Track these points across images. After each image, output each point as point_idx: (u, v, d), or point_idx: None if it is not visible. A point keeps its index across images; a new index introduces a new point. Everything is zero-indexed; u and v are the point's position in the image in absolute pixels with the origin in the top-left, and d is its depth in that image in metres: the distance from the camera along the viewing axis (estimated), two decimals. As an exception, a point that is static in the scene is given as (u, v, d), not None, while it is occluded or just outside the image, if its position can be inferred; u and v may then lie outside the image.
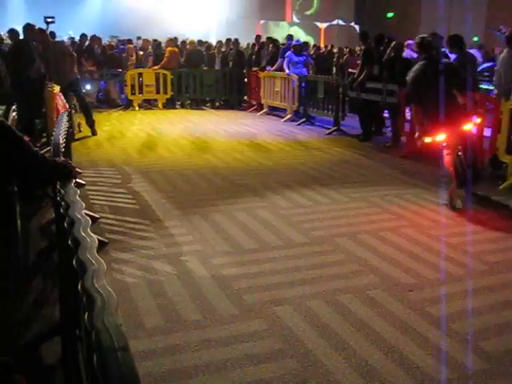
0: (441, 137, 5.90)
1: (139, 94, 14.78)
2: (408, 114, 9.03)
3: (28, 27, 9.66)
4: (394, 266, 4.48)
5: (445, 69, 5.94)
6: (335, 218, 5.74)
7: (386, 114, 10.74)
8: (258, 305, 3.80)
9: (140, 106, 14.75)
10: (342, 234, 5.20)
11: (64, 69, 10.00)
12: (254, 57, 15.25)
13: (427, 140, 6.05)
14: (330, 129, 11.14)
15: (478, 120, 6.91)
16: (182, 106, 15.29)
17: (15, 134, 2.39)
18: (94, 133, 10.43)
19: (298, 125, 12.00)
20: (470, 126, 6.11)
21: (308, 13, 31.07)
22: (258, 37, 16.15)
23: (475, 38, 22.74)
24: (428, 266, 4.48)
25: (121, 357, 1.06)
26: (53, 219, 4.00)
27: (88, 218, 1.87)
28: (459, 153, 5.98)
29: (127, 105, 14.79)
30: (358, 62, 11.01)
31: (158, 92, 14.89)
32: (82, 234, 1.69)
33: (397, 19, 27.22)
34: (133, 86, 14.63)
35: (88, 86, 14.17)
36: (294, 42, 13.09)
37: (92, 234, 1.70)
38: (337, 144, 9.86)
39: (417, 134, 6.19)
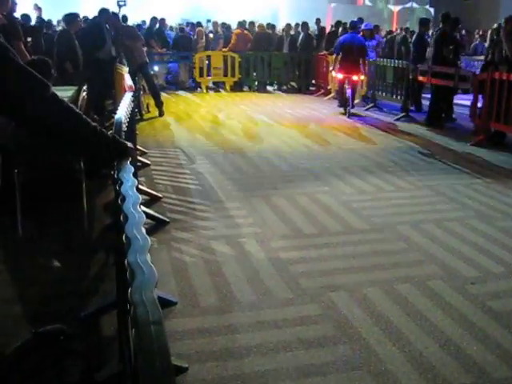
0: (340, 75, 11.06)
1: (207, 76, 14.93)
2: (480, 103, 8.71)
3: (102, 11, 9.95)
4: (456, 257, 4.33)
5: (358, 43, 11.01)
6: (398, 205, 5.62)
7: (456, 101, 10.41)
8: (313, 289, 3.77)
9: (208, 89, 14.90)
10: (405, 222, 5.07)
11: (133, 52, 10.25)
12: (315, 41, 15.27)
13: (334, 74, 11.51)
14: (398, 114, 10.87)
15: (362, 77, 11.46)
16: (250, 89, 15.32)
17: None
18: (161, 114, 10.64)
19: (366, 110, 11.77)
20: (356, 78, 10.95)
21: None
22: (318, 20, 16.12)
23: None
24: (492, 258, 4.30)
25: (154, 331, 1.07)
26: (116, 197, 4.11)
27: (138, 194, 1.90)
28: (349, 90, 10.89)
29: (195, 87, 14.98)
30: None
31: (225, 75, 14.99)
32: (132, 210, 1.73)
33: (474, 2, 26.09)
34: (201, 69, 14.79)
35: (156, 68, 14.42)
36: (363, 26, 12.80)
37: (140, 211, 1.73)
38: (405, 130, 9.61)
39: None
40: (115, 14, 10.39)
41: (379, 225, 5.03)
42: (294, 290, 3.77)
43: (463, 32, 16.33)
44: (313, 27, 16.75)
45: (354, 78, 10.95)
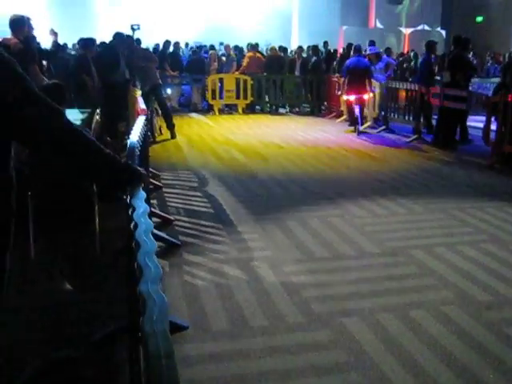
0: (351, 97, 11.47)
1: (220, 98, 15.04)
2: (493, 125, 8.68)
3: (116, 34, 10.10)
4: (470, 281, 4.28)
5: (362, 66, 11.45)
6: (411, 229, 5.58)
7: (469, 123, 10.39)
8: (325, 315, 3.74)
9: (220, 111, 14.99)
10: (417, 246, 5.03)
11: (147, 74, 10.37)
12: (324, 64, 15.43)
13: (345, 97, 11.90)
14: (410, 137, 10.86)
15: (371, 94, 11.81)
16: (262, 111, 15.40)
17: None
18: (173, 136, 10.71)
19: (378, 132, 11.77)
20: (366, 96, 11.53)
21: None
22: (326, 43, 16.29)
23: None
24: (508, 283, 4.25)
25: (164, 364, 1.06)
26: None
27: (151, 221, 1.91)
28: (358, 109, 11.40)
29: (208, 109, 15.09)
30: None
31: (238, 97, 15.09)
32: (144, 237, 1.73)
33: (486, 23, 26.14)
34: (213, 91, 14.91)
35: (169, 90, 14.57)
36: (368, 51, 12.86)
37: (152, 238, 1.73)
38: (417, 152, 9.59)
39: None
40: (129, 37, 10.55)
41: (392, 249, 4.99)
42: (306, 314, 3.74)
43: (471, 54, 16.32)
44: (321, 50, 16.88)
45: (365, 96, 11.56)
